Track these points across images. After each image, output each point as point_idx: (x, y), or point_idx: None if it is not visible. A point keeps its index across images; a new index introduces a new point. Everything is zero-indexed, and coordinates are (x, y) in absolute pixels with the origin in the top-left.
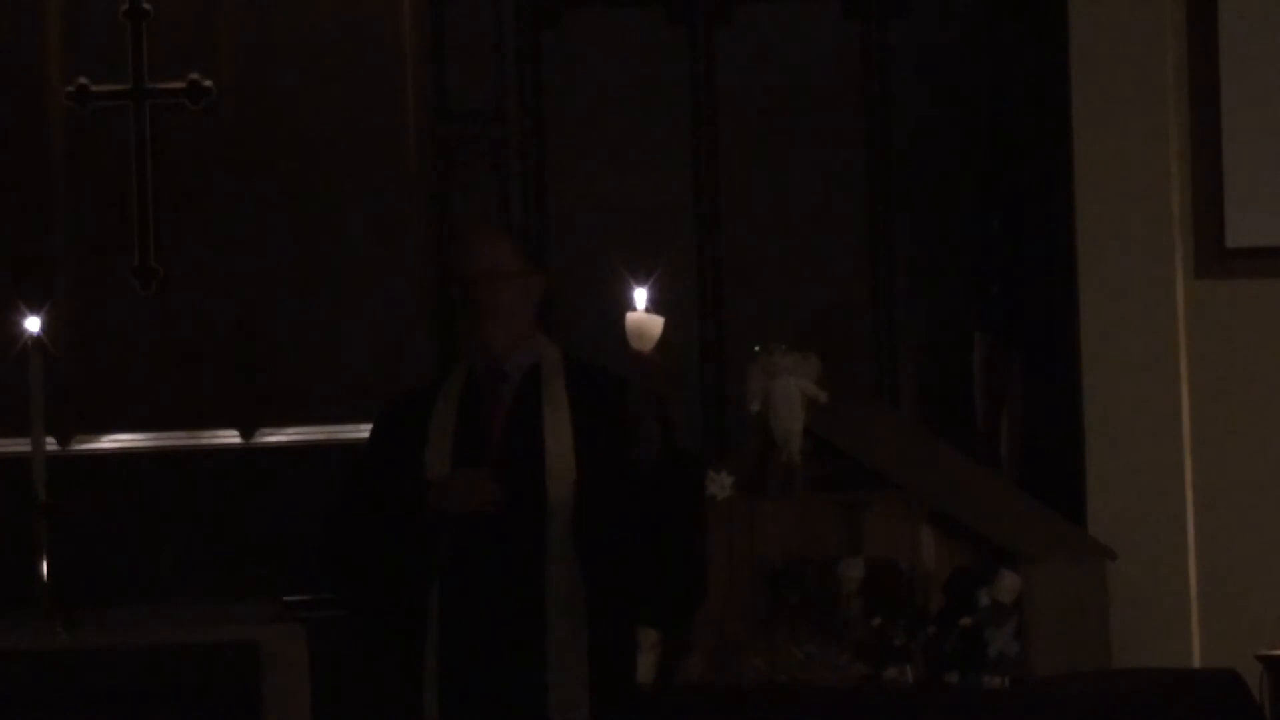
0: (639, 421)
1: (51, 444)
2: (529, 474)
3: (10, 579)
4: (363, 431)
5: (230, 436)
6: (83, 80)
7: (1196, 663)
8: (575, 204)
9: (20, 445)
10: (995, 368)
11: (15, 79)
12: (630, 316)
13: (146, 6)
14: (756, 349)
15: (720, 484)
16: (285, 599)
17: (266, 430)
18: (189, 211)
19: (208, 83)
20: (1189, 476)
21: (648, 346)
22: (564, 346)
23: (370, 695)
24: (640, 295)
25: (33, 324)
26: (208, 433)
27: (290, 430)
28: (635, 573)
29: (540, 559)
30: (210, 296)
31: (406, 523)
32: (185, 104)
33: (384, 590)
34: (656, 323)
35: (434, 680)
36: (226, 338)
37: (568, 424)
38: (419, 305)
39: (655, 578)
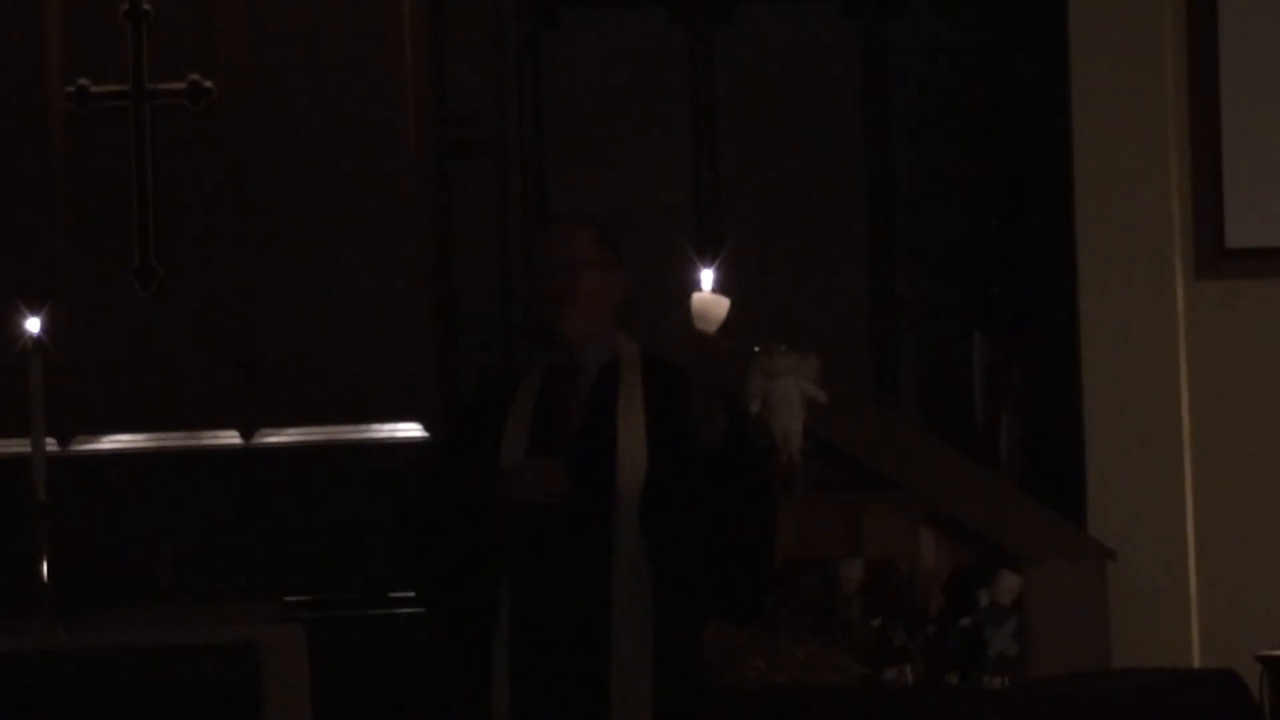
0: (701, 404)
1: (51, 444)
2: (600, 467)
3: (10, 579)
4: (363, 432)
5: (230, 436)
6: (83, 81)
7: (1196, 663)
8: (575, 204)
9: (20, 445)
10: (995, 368)
11: (15, 79)
12: (696, 297)
13: (146, 7)
14: (756, 349)
15: None
16: (285, 599)
17: (266, 430)
18: (189, 211)
19: (208, 83)
20: (1189, 476)
21: (712, 327)
22: (644, 344)
23: (370, 695)
24: (706, 276)
25: (33, 324)
26: (208, 433)
27: (290, 430)
28: (704, 559)
29: (607, 552)
30: (210, 296)
31: (478, 513)
32: (185, 104)
33: (456, 583)
34: (722, 304)
35: (504, 674)
36: (226, 338)
37: (642, 419)
38: (419, 306)
39: (724, 563)
